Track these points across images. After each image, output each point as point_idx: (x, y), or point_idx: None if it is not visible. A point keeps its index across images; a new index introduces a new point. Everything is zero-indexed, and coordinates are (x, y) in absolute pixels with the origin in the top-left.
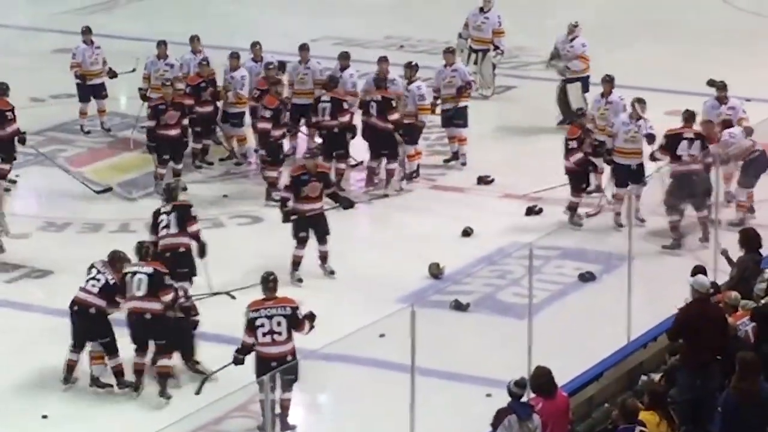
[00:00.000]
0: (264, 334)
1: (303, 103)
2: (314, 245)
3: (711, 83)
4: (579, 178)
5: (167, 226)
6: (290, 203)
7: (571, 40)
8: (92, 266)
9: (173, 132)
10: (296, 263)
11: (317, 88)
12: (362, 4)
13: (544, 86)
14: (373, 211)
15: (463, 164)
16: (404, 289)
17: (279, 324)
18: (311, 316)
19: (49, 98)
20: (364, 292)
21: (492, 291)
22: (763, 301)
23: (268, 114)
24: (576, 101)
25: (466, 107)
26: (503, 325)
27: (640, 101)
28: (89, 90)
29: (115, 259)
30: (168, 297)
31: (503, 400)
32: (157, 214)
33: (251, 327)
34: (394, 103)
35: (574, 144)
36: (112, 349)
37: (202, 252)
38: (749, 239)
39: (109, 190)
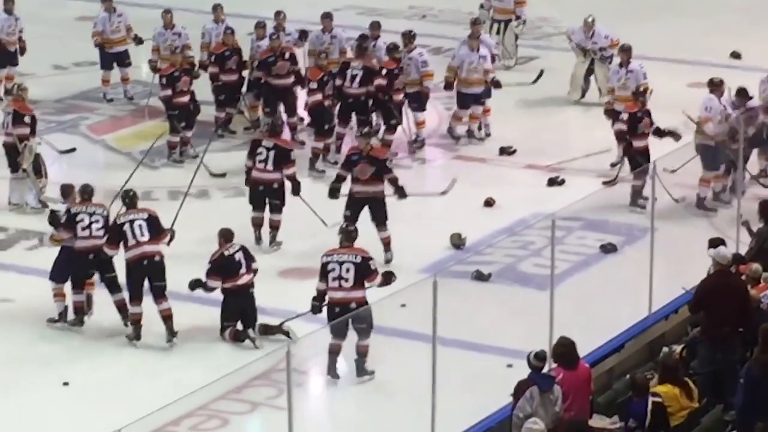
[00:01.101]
0: (333, 279)
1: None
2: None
3: (735, 55)
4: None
5: (264, 161)
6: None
7: (591, 36)
8: (75, 213)
9: (187, 98)
10: None
11: (343, 57)
12: None
13: (567, 57)
14: None
15: (488, 135)
16: (426, 259)
17: (348, 271)
18: (388, 275)
19: (72, 66)
20: None
21: (513, 262)
22: None
23: (314, 86)
24: (603, 82)
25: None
26: (524, 295)
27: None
28: (112, 58)
29: (87, 192)
30: (167, 239)
31: (524, 370)
32: (256, 144)
33: (323, 272)
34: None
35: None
36: (117, 285)
37: (297, 190)
38: (766, 210)
39: (73, 150)
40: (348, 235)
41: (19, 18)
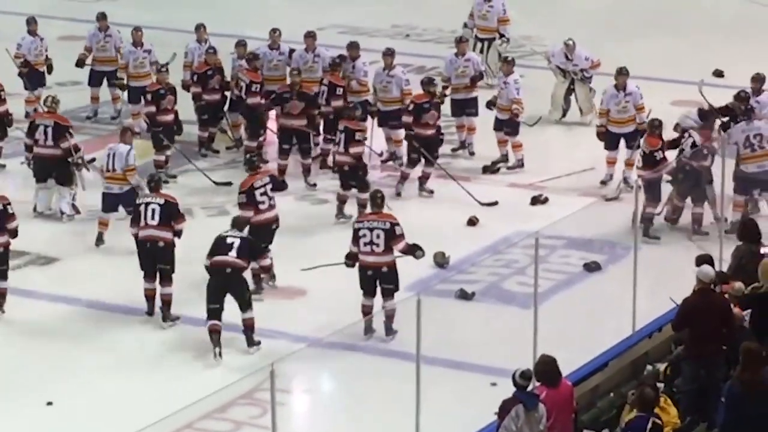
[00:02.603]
0: (365, 244)
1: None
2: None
3: (717, 74)
4: (654, 188)
5: (338, 143)
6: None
7: (571, 58)
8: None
9: (171, 117)
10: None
11: (326, 76)
12: None
13: (550, 76)
14: None
15: (472, 153)
16: (410, 277)
17: (378, 236)
18: (414, 247)
19: (55, 85)
20: None
21: (497, 280)
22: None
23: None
24: (583, 101)
25: (476, 97)
26: (508, 314)
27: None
28: (100, 75)
29: None
30: (182, 225)
31: (508, 388)
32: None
33: (355, 237)
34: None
35: (660, 155)
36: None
37: (364, 172)
38: (747, 230)
39: (93, 161)
40: (375, 201)
41: (44, 38)
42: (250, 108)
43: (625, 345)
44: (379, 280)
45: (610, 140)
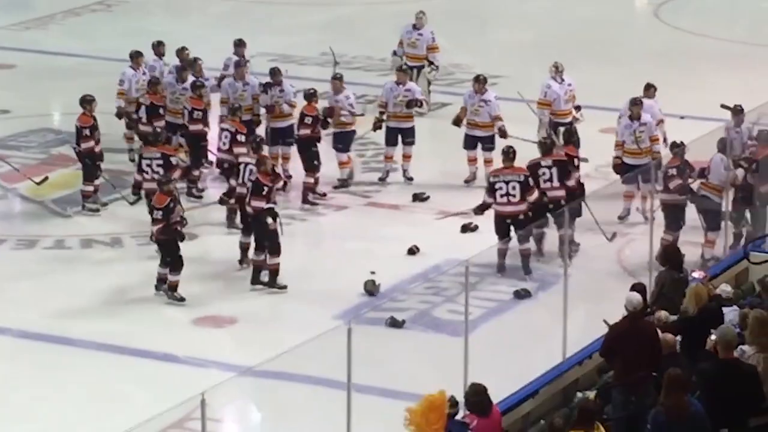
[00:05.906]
0: (501, 196)
1: (244, 119)
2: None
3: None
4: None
5: (549, 180)
6: None
7: (563, 80)
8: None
9: (99, 147)
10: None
11: (255, 102)
12: (298, 21)
13: None
14: (308, 227)
15: (410, 179)
16: (340, 305)
17: (514, 188)
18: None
19: None
20: (299, 308)
21: (427, 308)
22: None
23: (308, 121)
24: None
25: (414, 126)
26: (439, 342)
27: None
28: None
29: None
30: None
31: None
32: (537, 166)
33: (491, 189)
34: None
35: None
36: None
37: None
38: (667, 255)
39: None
40: (507, 156)
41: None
42: (192, 135)
43: (556, 372)
44: (515, 226)
45: (625, 173)
